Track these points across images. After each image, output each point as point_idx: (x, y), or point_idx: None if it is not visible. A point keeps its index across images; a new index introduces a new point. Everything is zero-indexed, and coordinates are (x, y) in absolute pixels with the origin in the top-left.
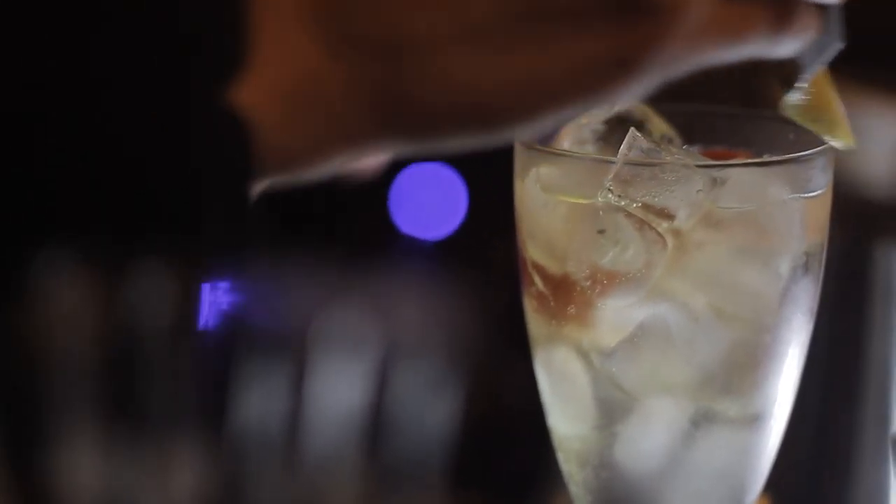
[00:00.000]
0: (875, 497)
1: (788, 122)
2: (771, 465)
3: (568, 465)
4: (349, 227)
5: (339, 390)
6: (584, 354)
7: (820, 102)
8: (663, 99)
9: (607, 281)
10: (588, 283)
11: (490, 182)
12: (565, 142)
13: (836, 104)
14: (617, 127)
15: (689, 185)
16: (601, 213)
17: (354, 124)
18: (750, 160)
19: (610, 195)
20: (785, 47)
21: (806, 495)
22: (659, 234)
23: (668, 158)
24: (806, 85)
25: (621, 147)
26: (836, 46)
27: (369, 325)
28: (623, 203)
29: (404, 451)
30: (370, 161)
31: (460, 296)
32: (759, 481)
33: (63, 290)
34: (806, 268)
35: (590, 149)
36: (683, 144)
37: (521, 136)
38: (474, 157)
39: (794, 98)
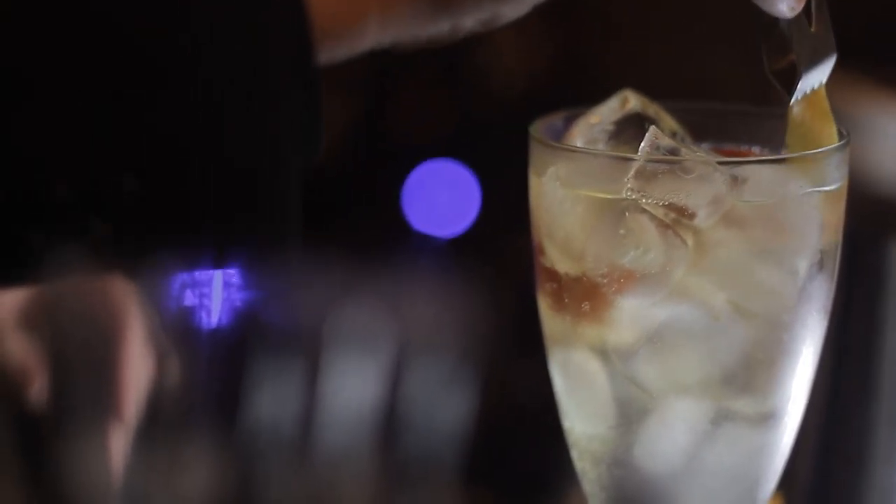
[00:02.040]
0: (888, 495)
1: None
2: (784, 464)
3: (581, 462)
4: (363, 224)
5: (352, 387)
6: (602, 354)
7: (812, 118)
8: (677, 97)
9: (628, 280)
10: (608, 283)
11: (503, 179)
12: (577, 141)
13: (826, 130)
14: (627, 126)
15: (709, 183)
16: (624, 212)
17: None
18: (770, 157)
19: (630, 193)
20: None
21: (818, 494)
22: (680, 233)
23: (688, 156)
24: (805, 94)
25: (642, 144)
26: (830, 58)
27: (382, 323)
28: (643, 201)
29: (417, 447)
30: None
31: (473, 293)
32: (773, 480)
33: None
34: (821, 265)
35: (601, 148)
36: (693, 142)
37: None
38: (488, 154)
39: (795, 104)
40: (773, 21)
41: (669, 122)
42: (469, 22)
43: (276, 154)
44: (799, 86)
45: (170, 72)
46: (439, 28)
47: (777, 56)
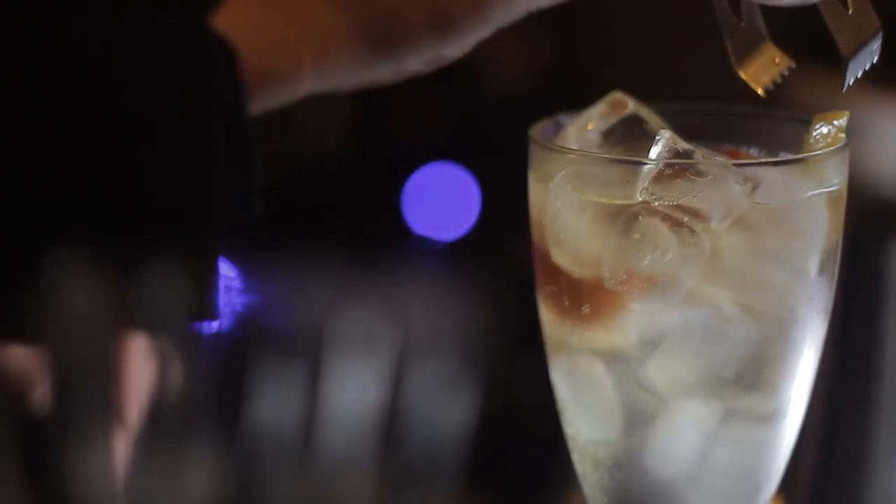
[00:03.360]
0: (888, 496)
1: (801, 121)
2: (786, 464)
3: (582, 465)
4: (363, 227)
5: (352, 390)
6: (609, 359)
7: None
8: (675, 98)
9: (645, 285)
10: (623, 288)
11: (504, 183)
12: (570, 146)
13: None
14: (617, 128)
15: (725, 186)
16: (637, 216)
17: (323, 23)
18: (781, 159)
19: (649, 196)
20: None
21: (819, 495)
22: (698, 235)
23: (704, 160)
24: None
25: (658, 148)
26: (876, 37)
27: (383, 325)
28: (661, 205)
29: (417, 450)
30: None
31: (473, 296)
32: (775, 480)
33: (75, 288)
34: (822, 266)
35: (595, 151)
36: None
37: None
38: (488, 157)
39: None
40: (737, 14)
41: (659, 124)
42: (412, 63)
43: (206, 212)
44: (848, 74)
45: (93, 127)
46: (381, 72)
47: (746, 51)
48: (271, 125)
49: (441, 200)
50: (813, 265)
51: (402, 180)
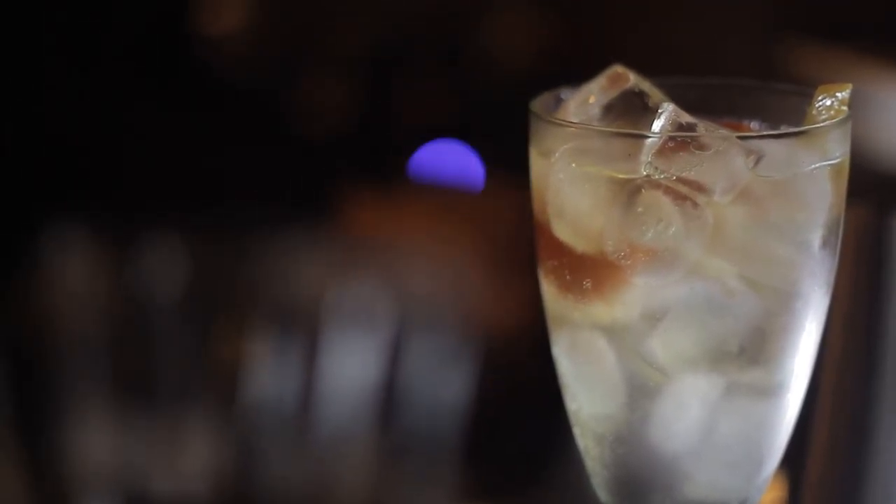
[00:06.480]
0: (893, 471)
1: (803, 94)
2: (788, 441)
3: (584, 440)
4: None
5: (351, 364)
6: (612, 334)
7: None
8: (677, 72)
9: (646, 259)
10: (626, 262)
11: (507, 159)
12: (572, 120)
13: None
14: (617, 101)
15: (728, 158)
16: (641, 190)
17: None
18: (784, 131)
19: (652, 170)
20: None
21: (823, 470)
22: (701, 209)
23: (707, 133)
24: None
25: (661, 122)
26: None
27: (385, 300)
28: (663, 178)
29: (417, 424)
30: None
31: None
32: (777, 455)
33: (72, 264)
34: (824, 239)
35: (595, 125)
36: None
37: None
38: (492, 134)
39: None
40: None
41: (661, 97)
42: None
43: None
44: None
45: None
46: None
47: None
48: (278, 100)
49: (445, 174)
50: (816, 238)
51: (407, 156)
